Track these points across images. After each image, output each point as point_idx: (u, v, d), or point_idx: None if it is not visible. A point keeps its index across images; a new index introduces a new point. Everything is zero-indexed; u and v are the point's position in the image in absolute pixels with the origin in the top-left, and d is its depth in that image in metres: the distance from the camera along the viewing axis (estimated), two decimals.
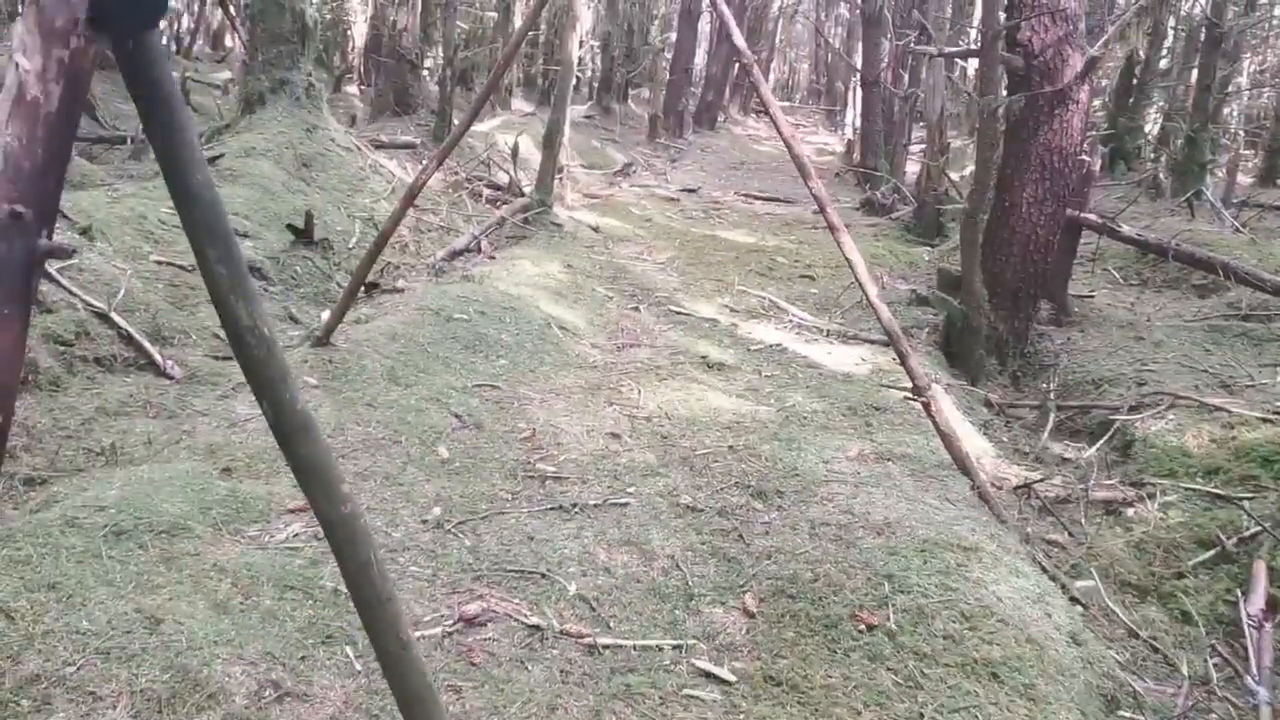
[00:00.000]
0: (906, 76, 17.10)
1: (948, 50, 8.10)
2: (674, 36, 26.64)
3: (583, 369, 6.15)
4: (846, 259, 4.75)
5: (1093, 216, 8.13)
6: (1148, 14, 7.01)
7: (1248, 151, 20.99)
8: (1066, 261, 8.14)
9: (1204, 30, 12.62)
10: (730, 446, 4.99)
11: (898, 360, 5.06)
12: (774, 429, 5.24)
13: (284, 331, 6.18)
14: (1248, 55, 25.92)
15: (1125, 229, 8.10)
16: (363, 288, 6.12)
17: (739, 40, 4.84)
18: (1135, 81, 13.82)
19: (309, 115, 9.13)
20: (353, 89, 16.36)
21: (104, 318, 5.37)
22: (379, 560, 1.49)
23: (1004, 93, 7.16)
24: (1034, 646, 3.35)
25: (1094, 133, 8.65)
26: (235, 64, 19.23)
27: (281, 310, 6.49)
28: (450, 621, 3.37)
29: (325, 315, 6.64)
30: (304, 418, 1.38)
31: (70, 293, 5.31)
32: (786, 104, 48.02)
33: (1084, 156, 7.58)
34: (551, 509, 4.25)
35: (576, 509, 4.26)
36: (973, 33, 19.01)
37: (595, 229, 10.43)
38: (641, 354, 6.54)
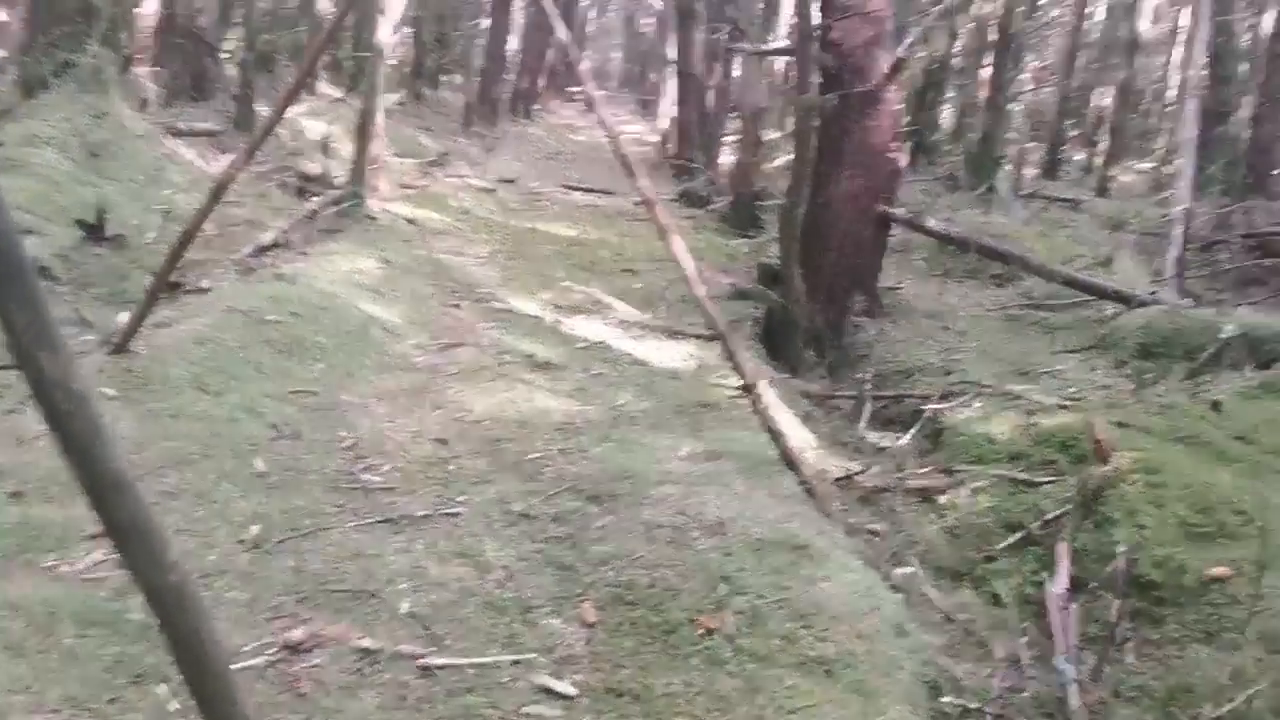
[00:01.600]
0: (720, 69, 17.40)
1: (763, 48, 8.27)
2: (486, 22, 26.29)
3: (405, 371, 5.96)
4: (677, 261, 4.76)
5: (902, 212, 8.47)
6: (950, 17, 7.33)
7: (1030, 144, 22.39)
8: (878, 254, 8.44)
9: (997, 32, 13.38)
10: (561, 449, 4.93)
11: (726, 356, 5.10)
12: (605, 430, 5.22)
13: (76, 336, 5.73)
14: (1029, 55, 27.57)
15: (932, 224, 8.48)
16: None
17: (563, 34, 4.77)
18: (933, 79, 14.51)
19: (98, 101, 8.51)
20: (143, 70, 15.39)
21: None
22: (212, 628, 1.36)
23: (818, 91, 7.34)
24: (864, 642, 3.44)
25: (901, 129, 9.00)
26: (8, 43, 17.82)
27: (72, 313, 6.01)
28: (273, 650, 3.18)
29: (122, 318, 6.20)
30: (120, 474, 1.24)
31: None
32: (599, 93, 48.08)
33: (892, 154, 7.86)
34: (379, 522, 4.09)
35: (405, 521, 4.12)
36: (783, 28, 19.54)
37: (411, 221, 10.14)
38: (466, 354, 6.39)
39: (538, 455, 4.86)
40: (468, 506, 4.29)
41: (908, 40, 7.54)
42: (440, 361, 6.23)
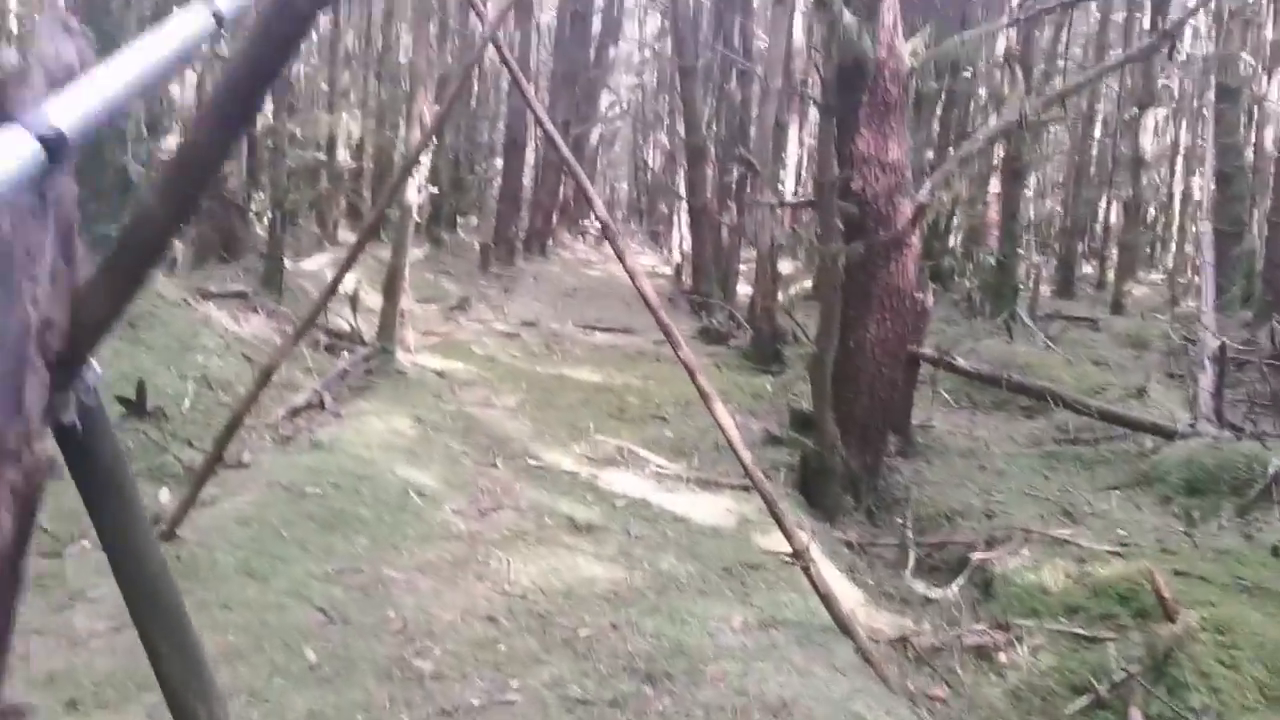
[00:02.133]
0: (733, 205, 17.74)
1: (787, 201, 8.44)
2: (499, 163, 26.96)
3: (447, 540, 5.91)
4: (719, 425, 4.76)
5: (930, 351, 8.50)
6: (968, 164, 7.48)
7: (1039, 258, 22.64)
8: (908, 394, 8.45)
9: (1004, 164, 13.69)
10: (611, 623, 4.84)
11: (772, 518, 5.05)
12: (653, 599, 5.14)
13: None
14: (1034, 172, 28.05)
15: (961, 362, 8.50)
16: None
17: (601, 212, 4.86)
18: (946, 209, 14.76)
19: None
20: None
21: None
22: None
23: (842, 239, 7.44)
24: None
25: (924, 268, 9.11)
26: None
27: None
28: None
29: (164, 496, 6.21)
30: None
31: None
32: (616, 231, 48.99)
33: (919, 294, 7.93)
34: (434, 715, 4.00)
35: (461, 713, 4.02)
36: (790, 161, 19.98)
37: (440, 374, 10.22)
38: (505, 518, 6.35)
39: (588, 631, 4.77)
40: (523, 693, 4.19)
41: (927, 185, 7.66)
42: (480, 527, 6.18)
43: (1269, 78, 18.52)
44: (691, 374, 4.80)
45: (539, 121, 5.45)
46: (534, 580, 5.36)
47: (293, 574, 4.99)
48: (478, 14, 4.84)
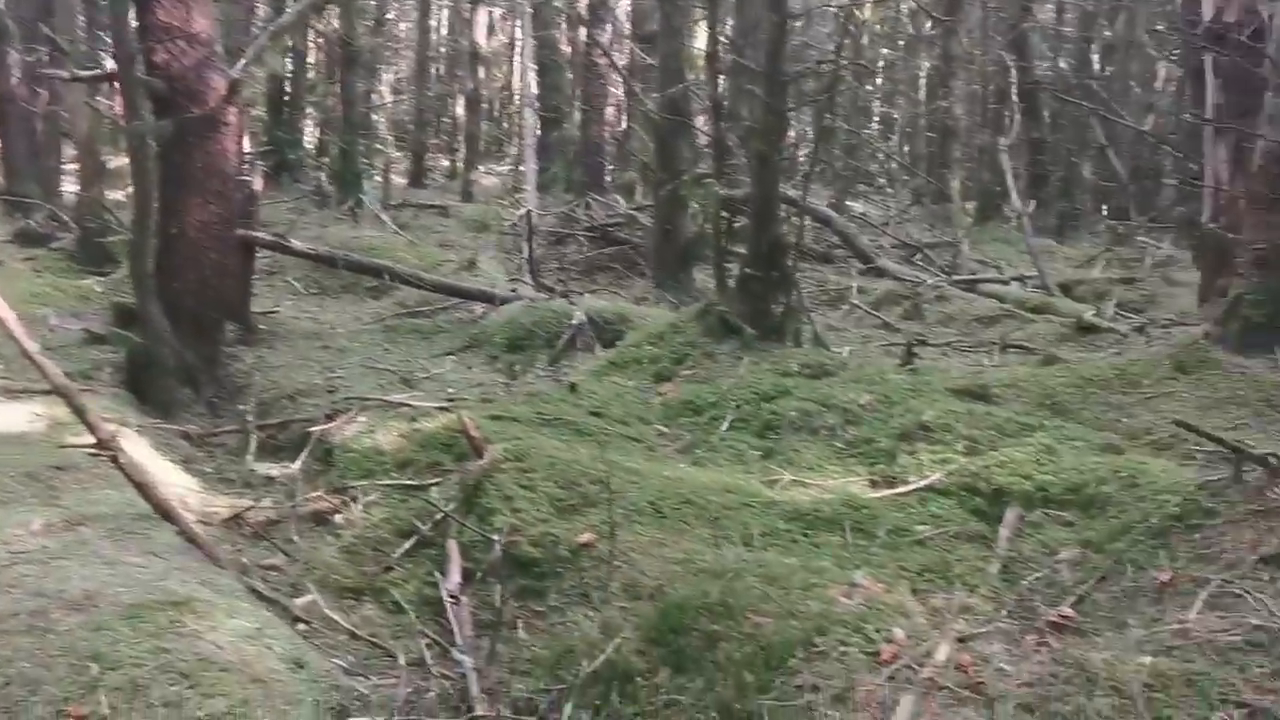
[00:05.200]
0: (47, 93, 15.67)
1: (82, 74, 7.61)
2: None
3: None
4: None
5: (263, 234, 8.29)
6: (281, 37, 7.31)
7: (396, 155, 23.20)
8: (245, 280, 8.20)
9: (340, 48, 13.63)
10: None
11: (73, 413, 4.63)
12: None
13: None
14: (384, 67, 28.46)
15: (296, 244, 8.42)
16: None
17: None
18: (286, 97, 14.39)
19: None
20: None
21: None
22: None
23: (151, 117, 6.90)
24: (259, 685, 3.31)
25: (252, 151, 8.82)
26: None
27: None
28: None
29: None
30: None
31: None
32: None
33: (244, 176, 7.66)
34: None
35: None
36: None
37: None
38: None
39: None
40: None
41: (241, 61, 7.34)
42: None
43: None
44: None
45: None
46: None
47: None
48: None
